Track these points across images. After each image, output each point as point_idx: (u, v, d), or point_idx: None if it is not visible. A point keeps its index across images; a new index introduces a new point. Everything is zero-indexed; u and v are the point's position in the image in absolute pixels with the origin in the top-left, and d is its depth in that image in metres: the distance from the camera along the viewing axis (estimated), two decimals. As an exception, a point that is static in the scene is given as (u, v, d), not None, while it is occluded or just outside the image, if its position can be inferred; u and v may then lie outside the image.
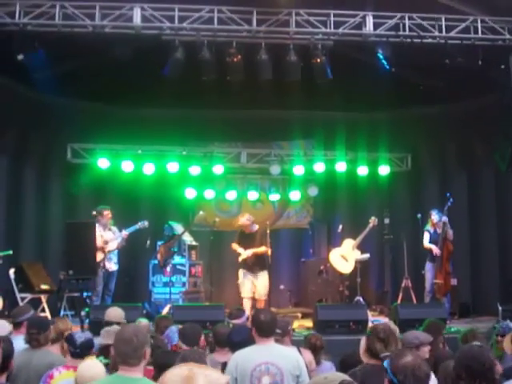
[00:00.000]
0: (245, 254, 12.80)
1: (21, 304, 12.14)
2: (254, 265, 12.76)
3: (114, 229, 13.47)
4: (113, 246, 13.21)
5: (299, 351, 6.55)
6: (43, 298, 12.88)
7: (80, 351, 5.76)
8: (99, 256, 12.74)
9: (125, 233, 13.30)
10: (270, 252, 12.84)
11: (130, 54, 11.68)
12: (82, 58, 13.04)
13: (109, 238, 13.16)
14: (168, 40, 11.58)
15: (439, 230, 13.24)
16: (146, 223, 13.52)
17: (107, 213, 13.30)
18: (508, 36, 11.87)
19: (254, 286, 12.69)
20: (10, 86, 13.81)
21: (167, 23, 11.41)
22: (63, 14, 11.17)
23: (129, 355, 4.30)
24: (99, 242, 12.75)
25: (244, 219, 13.12)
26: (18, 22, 11.11)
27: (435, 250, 13.12)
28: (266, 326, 5.94)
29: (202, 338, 6.38)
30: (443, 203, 13.38)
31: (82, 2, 11.18)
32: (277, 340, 6.38)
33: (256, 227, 13.07)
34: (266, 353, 5.80)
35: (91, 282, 12.47)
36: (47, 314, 12.41)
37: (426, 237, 13.42)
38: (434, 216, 13.36)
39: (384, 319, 12.49)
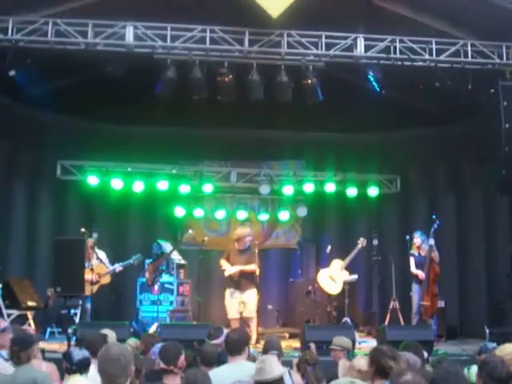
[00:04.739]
0: (231, 270, 12.78)
1: (7, 320, 12.06)
2: (242, 281, 12.68)
3: (102, 255, 13.38)
4: (106, 279, 13.19)
5: (289, 374, 6.54)
6: (29, 314, 12.80)
7: (76, 368, 5.74)
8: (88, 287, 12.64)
9: (119, 268, 13.25)
10: (258, 271, 12.81)
11: (122, 72, 11.72)
12: (73, 75, 13.10)
13: (102, 271, 13.09)
14: (160, 59, 11.62)
15: (423, 253, 13.28)
16: (141, 256, 13.50)
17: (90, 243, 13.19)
18: (498, 60, 11.96)
19: (241, 305, 12.56)
20: (0, 101, 13.80)
21: (160, 42, 11.44)
22: (56, 30, 11.18)
23: (117, 375, 4.23)
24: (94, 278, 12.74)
25: (247, 230, 13.20)
26: (10, 38, 11.11)
27: (421, 275, 13.17)
28: (233, 345, 6.01)
29: (182, 357, 6.31)
30: (431, 225, 13.43)
31: (74, 20, 11.20)
32: None
33: (248, 244, 13.06)
34: (237, 371, 5.84)
35: (79, 299, 12.45)
36: (33, 330, 12.32)
37: (412, 261, 13.44)
38: (417, 239, 13.42)
39: (372, 340, 12.51)
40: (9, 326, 7.75)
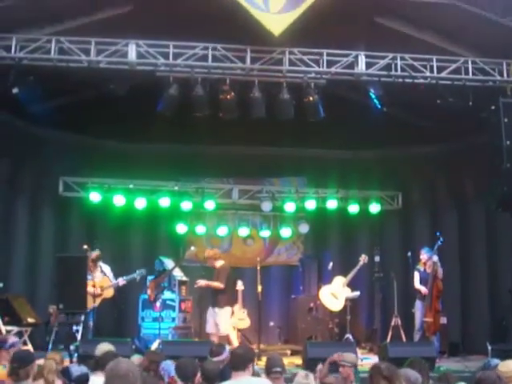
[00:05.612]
0: (198, 283, 13.24)
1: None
2: (213, 301, 13.05)
3: (106, 268, 13.40)
4: (110, 293, 13.20)
5: None
6: (25, 331, 12.78)
7: None
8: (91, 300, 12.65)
9: (122, 281, 13.28)
10: (222, 286, 12.89)
11: (125, 90, 11.76)
12: (76, 93, 13.14)
13: (105, 284, 13.12)
14: (162, 76, 11.67)
15: (428, 269, 13.27)
16: (144, 271, 13.51)
17: (92, 256, 13.21)
18: (498, 77, 12.02)
19: (214, 324, 12.88)
20: (3, 118, 13.84)
21: (162, 60, 11.49)
22: (59, 48, 11.23)
23: None
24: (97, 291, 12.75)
25: (211, 252, 13.50)
26: (14, 56, 11.16)
27: (424, 291, 13.16)
28: (238, 361, 6.00)
29: (199, 375, 6.32)
30: (433, 241, 13.43)
31: (77, 38, 11.26)
32: (276, 378, 6.45)
33: (219, 263, 13.21)
34: None
35: (81, 316, 12.44)
36: (29, 347, 12.30)
37: (417, 277, 13.44)
38: (423, 255, 13.44)
39: (374, 357, 12.48)
40: (17, 341, 7.79)
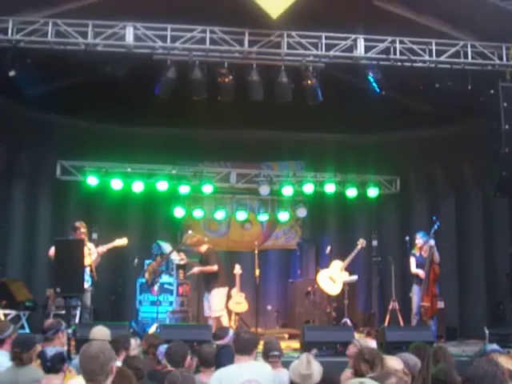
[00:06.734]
0: (192, 270, 13.31)
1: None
2: (205, 283, 13.05)
3: (90, 245, 13.26)
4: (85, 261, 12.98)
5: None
6: (23, 314, 12.79)
7: (51, 364, 5.71)
8: None
9: (101, 249, 13.13)
10: (216, 268, 12.81)
11: (122, 73, 11.71)
12: (73, 76, 13.07)
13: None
14: (160, 59, 11.60)
15: (424, 254, 13.27)
16: (125, 240, 13.36)
17: (77, 227, 13.02)
18: (497, 61, 11.97)
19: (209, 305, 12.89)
20: (0, 101, 13.80)
21: (159, 43, 11.43)
22: (56, 31, 11.16)
23: (96, 372, 4.32)
24: None
25: (193, 239, 13.49)
26: (10, 39, 11.10)
27: (421, 274, 13.16)
28: (244, 345, 6.00)
29: (188, 358, 6.31)
30: (431, 226, 13.43)
31: (74, 20, 11.19)
32: (274, 362, 6.46)
33: (204, 248, 13.20)
34: (249, 370, 5.84)
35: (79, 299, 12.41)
36: (27, 330, 12.31)
37: (413, 261, 13.43)
38: (418, 240, 13.42)
39: (371, 341, 12.48)
40: (65, 326, 7.83)
